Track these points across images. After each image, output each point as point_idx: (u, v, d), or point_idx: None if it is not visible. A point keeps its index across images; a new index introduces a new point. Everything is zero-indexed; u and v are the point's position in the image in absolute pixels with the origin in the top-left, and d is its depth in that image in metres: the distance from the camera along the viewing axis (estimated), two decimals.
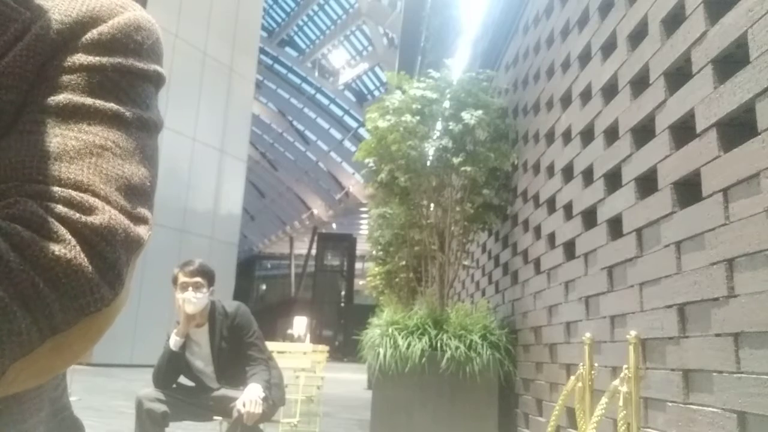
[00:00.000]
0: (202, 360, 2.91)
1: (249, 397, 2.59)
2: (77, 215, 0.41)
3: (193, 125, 18.45)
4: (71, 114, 0.46)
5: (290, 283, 41.81)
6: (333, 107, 36.42)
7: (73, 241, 0.40)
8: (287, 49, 35.86)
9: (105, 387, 9.39)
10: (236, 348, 2.86)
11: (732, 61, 1.58)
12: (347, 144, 36.08)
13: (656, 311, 1.88)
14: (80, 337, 0.41)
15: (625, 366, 1.75)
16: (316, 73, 35.44)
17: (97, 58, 0.49)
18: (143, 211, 0.47)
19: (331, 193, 41.53)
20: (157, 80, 0.54)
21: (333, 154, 38.42)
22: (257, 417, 2.58)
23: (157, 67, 0.54)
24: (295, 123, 38.65)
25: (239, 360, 2.84)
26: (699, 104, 1.67)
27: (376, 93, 32.56)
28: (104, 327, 0.44)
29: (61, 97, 0.47)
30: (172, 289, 2.82)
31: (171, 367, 2.82)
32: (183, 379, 2.93)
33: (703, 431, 1.56)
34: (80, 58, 0.49)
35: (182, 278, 2.78)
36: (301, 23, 34.21)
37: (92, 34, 0.50)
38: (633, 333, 1.77)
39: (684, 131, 1.80)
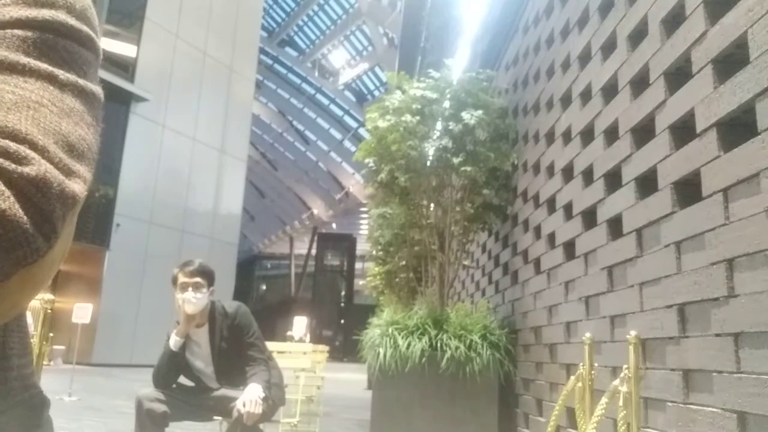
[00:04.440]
0: (202, 360, 2.90)
1: (249, 397, 2.58)
2: (12, 166, 0.40)
3: (193, 125, 18.45)
4: (6, 70, 0.45)
5: (290, 283, 41.80)
6: (333, 107, 36.43)
7: (8, 192, 0.39)
8: (287, 49, 35.87)
9: (105, 387, 9.39)
10: (236, 348, 2.86)
11: (732, 61, 1.58)
12: (347, 144, 36.08)
13: (656, 311, 1.88)
14: (17, 290, 0.41)
15: (625, 366, 1.75)
16: (316, 73, 35.45)
17: (30, 10, 0.47)
18: (80, 168, 0.46)
19: (331, 193, 41.53)
20: (91, 46, 0.52)
21: (333, 154, 38.42)
22: (257, 417, 2.57)
23: (90, 32, 0.52)
24: (295, 123, 38.65)
25: (239, 360, 2.84)
26: (699, 104, 1.67)
27: (376, 93, 32.56)
28: (39, 280, 0.43)
29: None
30: (172, 289, 2.82)
31: (171, 367, 2.82)
32: (183, 379, 2.93)
33: (703, 431, 1.56)
34: (11, 11, 0.47)
35: (182, 278, 2.78)
36: (301, 23, 34.22)
37: None
38: (633, 333, 1.77)
39: (684, 131, 1.80)
